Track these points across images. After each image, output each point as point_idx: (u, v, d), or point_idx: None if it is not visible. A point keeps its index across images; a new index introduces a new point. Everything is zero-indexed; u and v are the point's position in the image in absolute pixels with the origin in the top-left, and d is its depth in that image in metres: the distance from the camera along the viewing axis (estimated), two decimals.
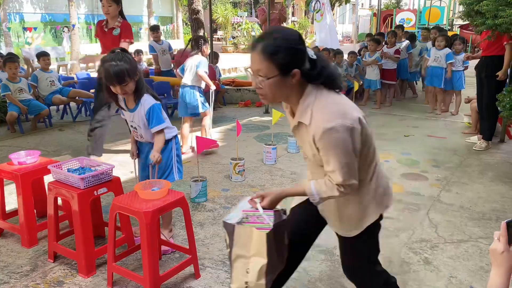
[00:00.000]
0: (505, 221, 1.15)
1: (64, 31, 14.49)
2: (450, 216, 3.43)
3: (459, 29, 17.32)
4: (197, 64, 4.78)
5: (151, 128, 2.73)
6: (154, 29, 7.78)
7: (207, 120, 5.10)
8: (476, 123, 5.85)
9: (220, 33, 23.97)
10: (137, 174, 3.03)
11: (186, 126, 5.06)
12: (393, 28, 16.95)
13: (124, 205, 2.37)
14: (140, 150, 2.96)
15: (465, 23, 17.11)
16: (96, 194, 2.65)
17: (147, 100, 2.72)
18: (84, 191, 2.56)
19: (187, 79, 4.89)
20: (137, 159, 2.98)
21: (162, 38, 8.03)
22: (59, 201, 2.87)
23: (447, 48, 6.82)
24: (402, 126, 6.41)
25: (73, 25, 13.49)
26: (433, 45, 7.17)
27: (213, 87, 5.00)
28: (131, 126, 2.86)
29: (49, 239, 2.79)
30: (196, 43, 4.91)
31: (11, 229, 3.10)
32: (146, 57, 10.87)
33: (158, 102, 2.77)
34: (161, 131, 2.75)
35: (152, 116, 2.71)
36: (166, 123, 2.79)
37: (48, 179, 2.88)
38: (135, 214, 2.32)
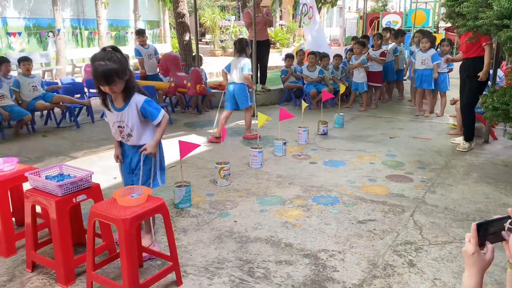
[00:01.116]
0: (475, 223, 1.16)
1: (49, 36, 14.33)
2: (435, 217, 3.43)
3: (444, 31, 17.50)
4: (242, 66, 5.46)
5: (154, 120, 2.72)
6: (140, 33, 7.72)
7: (249, 114, 5.78)
8: (461, 123, 5.89)
9: (208, 36, 23.93)
10: (122, 179, 2.97)
11: (225, 117, 5.76)
12: (379, 31, 17.10)
13: (102, 212, 2.32)
14: (125, 154, 2.91)
15: (450, 25, 17.32)
16: (74, 201, 2.59)
17: (137, 98, 2.69)
18: (62, 198, 2.51)
19: (236, 77, 5.57)
20: (121, 163, 2.93)
21: (148, 42, 7.97)
22: (39, 209, 2.81)
23: (432, 49, 6.88)
24: (388, 128, 6.43)
25: (58, 30, 13.34)
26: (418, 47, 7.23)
27: (254, 86, 5.89)
28: (118, 126, 2.78)
29: (26, 248, 2.73)
30: (240, 46, 5.58)
31: None
32: (132, 61, 10.78)
33: (148, 97, 2.75)
34: (160, 123, 2.74)
35: (149, 108, 2.70)
36: (162, 110, 2.78)
37: (27, 186, 2.82)
38: (113, 221, 2.27)
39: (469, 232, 1.18)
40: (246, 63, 5.48)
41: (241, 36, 20.95)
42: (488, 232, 1.16)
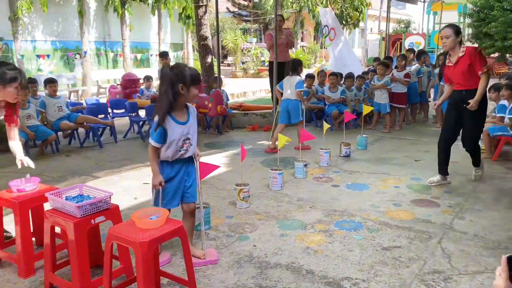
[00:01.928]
0: (506, 256, 1.08)
1: (76, 58, 14.76)
2: (464, 245, 3.27)
3: None
4: (296, 84, 5.94)
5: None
6: (164, 55, 7.87)
7: (301, 127, 6.06)
8: (490, 147, 5.70)
9: (230, 58, 24.24)
10: (155, 202, 2.83)
11: (279, 130, 6.08)
12: (402, 52, 16.96)
13: (120, 235, 2.29)
14: (171, 174, 2.83)
15: (473, 45, 17.03)
16: (93, 222, 2.57)
17: (190, 106, 2.84)
18: (80, 219, 2.49)
19: (290, 94, 6.07)
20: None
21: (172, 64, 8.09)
22: (58, 229, 2.80)
23: None
24: (413, 151, 6.27)
25: (85, 52, 13.74)
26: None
27: (306, 103, 6.42)
28: (186, 139, 2.76)
29: (45, 269, 2.71)
30: (293, 65, 6.11)
31: (9, 258, 3.02)
32: (156, 82, 10.96)
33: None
34: None
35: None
36: None
37: (48, 206, 2.82)
38: (131, 244, 2.23)
39: (500, 266, 1.10)
40: (299, 81, 5.98)
41: (245, 59, 21.29)
42: None
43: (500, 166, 5.37)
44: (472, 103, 4.17)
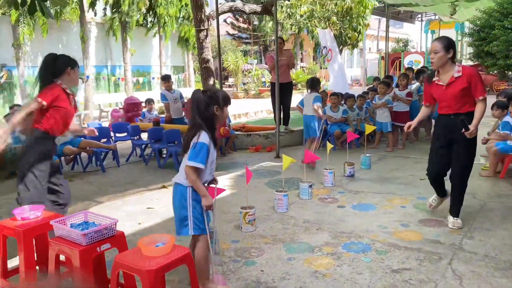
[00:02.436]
0: None
1: None
2: (475, 266, 3.21)
3: None
4: (313, 99, 6.30)
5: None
6: (166, 79, 7.91)
7: (310, 143, 6.56)
8: (495, 166, 5.66)
9: (231, 80, 24.46)
10: (211, 227, 2.87)
11: (309, 144, 6.54)
12: (401, 71, 17.06)
13: (126, 263, 2.25)
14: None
15: (472, 64, 17.18)
16: (99, 250, 2.53)
17: None
18: (86, 247, 2.45)
19: (308, 110, 6.46)
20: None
21: (173, 86, 8.15)
22: (63, 257, 2.76)
23: None
24: (417, 169, 6.23)
25: (87, 76, 13.87)
26: None
27: (323, 117, 6.68)
28: (214, 161, 2.86)
29: None
30: (311, 83, 6.54)
31: None
32: (158, 105, 11.03)
33: None
34: None
35: None
36: None
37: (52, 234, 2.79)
38: (137, 272, 2.20)
39: None
40: (316, 97, 6.38)
41: (246, 80, 21.53)
42: None
43: (506, 184, 5.33)
44: (472, 128, 3.60)
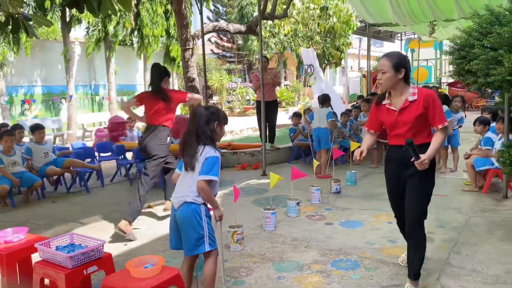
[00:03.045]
0: None
1: (61, 102, 14.75)
2: (463, 281, 3.23)
3: (447, 86, 17.79)
4: (326, 115, 6.84)
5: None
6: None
7: (325, 155, 6.93)
8: (475, 179, 5.76)
9: (215, 98, 24.55)
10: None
11: (323, 156, 6.92)
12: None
13: (115, 286, 2.20)
14: None
15: (453, 81, 17.66)
16: (85, 273, 2.48)
17: None
18: (72, 270, 2.40)
19: (319, 123, 6.90)
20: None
21: None
22: (47, 281, 2.69)
23: (445, 106, 6.86)
24: None
25: (71, 96, 13.76)
26: None
27: (337, 130, 7.48)
28: None
29: None
30: (323, 99, 7.05)
31: None
32: (142, 124, 10.95)
33: None
34: None
35: None
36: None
37: (36, 256, 2.72)
38: None
39: None
40: (329, 112, 6.88)
41: (231, 98, 21.77)
42: None
43: (489, 198, 5.42)
44: (425, 157, 2.83)
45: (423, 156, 2.83)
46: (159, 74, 4.89)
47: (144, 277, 2.23)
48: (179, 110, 18.91)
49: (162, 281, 2.23)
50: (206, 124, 2.74)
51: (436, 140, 2.93)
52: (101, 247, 2.58)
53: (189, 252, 2.72)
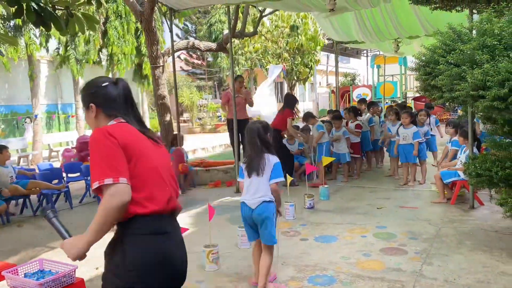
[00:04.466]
0: None
1: (26, 122, 14.30)
2: None
3: (413, 101, 18.35)
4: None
5: None
6: None
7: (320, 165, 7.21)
8: (443, 190, 5.94)
9: (186, 115, 24.40)
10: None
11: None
12: (351, 104, 17.79)
13: None
14: None
15: (417, 95, 18.24)
16: None
17: None
18: None
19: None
20: None
21: None
22: None
23: (414, 126, 7.04)
24: (373, 198, 6.41)
25: (36, 115, 13.35)
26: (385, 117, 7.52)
27: (313, 143, 7.65)
28: None
29: None
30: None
31: None
32: None
33: None
34: None
35: None
36: None
37: (3, 284, 2.59)
38: None
39: None
40: (318, 125, 7.58)
41: (202, 115, 21.86)
42: None
43: (457, 209, 5.58)
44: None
45: None
46: None
47: None
48: (148, 122, 18.69)
49: None
50: (264, 134, 3.34)
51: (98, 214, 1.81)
52: (73, 273, 2.49)
53: (270, 242, 3.28)
